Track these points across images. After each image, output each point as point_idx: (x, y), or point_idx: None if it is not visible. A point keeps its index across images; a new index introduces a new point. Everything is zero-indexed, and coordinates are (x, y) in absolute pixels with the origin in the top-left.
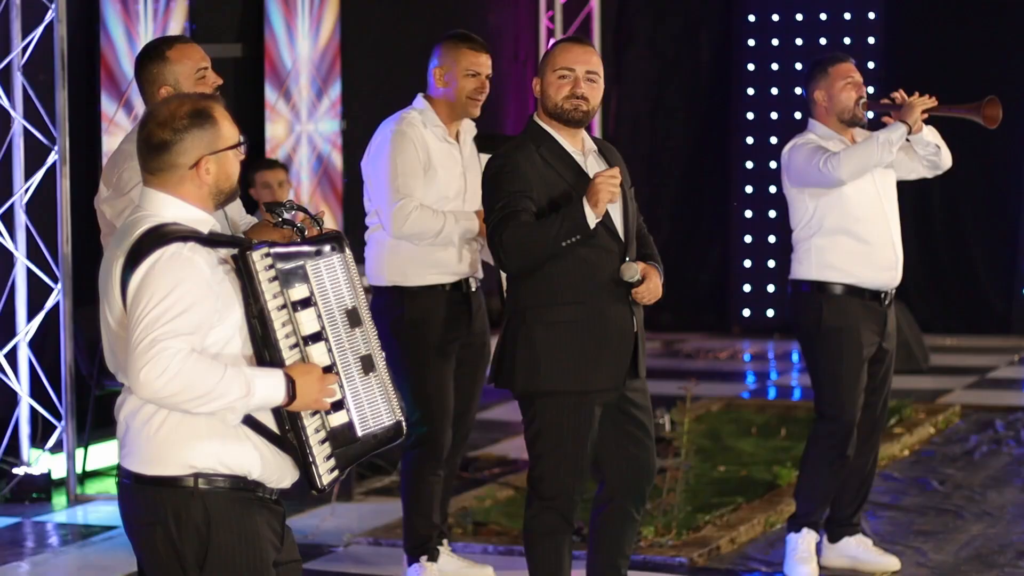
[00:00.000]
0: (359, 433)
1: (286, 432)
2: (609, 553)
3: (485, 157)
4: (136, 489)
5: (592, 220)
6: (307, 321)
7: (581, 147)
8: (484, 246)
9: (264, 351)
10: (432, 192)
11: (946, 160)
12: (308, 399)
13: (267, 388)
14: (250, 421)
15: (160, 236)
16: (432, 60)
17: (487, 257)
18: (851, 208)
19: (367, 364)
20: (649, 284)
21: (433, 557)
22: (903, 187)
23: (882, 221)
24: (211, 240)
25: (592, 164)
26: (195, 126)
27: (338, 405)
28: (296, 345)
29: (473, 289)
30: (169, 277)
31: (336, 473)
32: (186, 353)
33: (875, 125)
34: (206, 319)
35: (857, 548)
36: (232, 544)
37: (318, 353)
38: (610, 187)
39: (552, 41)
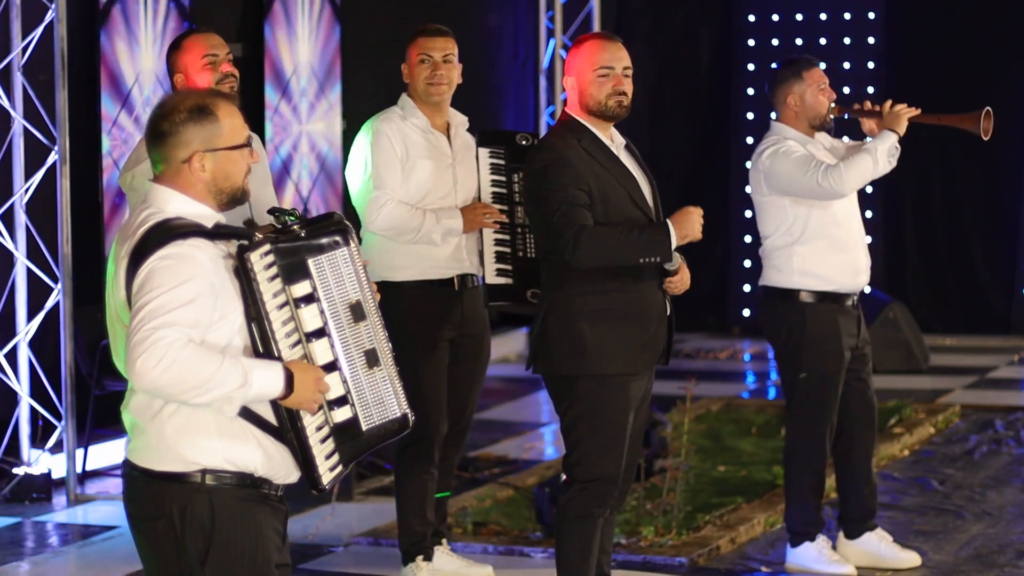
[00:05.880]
0: (364, 428)
1: (287, 432)
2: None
3: (485, 152)
4: (144, 483)
5: (674, 246)
6: (309, 318)
7: (611, 140)
8: (478, 239)
9: (261, 352)
10: (412, 184)
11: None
12: (304, 396)
13: (264, 380)
14: (255, 418)
15: (166, 231)
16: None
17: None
18: (835, 213)
19: (371, 358)
20: (682, 274)
21: (428, 556)
22: (905, 186)
23: (856, 225)
24: (214, 234)
25: (624, 157)
26: (193, 121)
27: (342, 401)
28: (299, 343)
29: (469, 285)
30: (174, 272)
31: (340, 469)
32: (183, 343)
33: (842, 129)
34: (206, 315)
35: (879, 544)
36: (235, 541)
37: (321, 350)
38: (700, 225)
39: (552, 39)
